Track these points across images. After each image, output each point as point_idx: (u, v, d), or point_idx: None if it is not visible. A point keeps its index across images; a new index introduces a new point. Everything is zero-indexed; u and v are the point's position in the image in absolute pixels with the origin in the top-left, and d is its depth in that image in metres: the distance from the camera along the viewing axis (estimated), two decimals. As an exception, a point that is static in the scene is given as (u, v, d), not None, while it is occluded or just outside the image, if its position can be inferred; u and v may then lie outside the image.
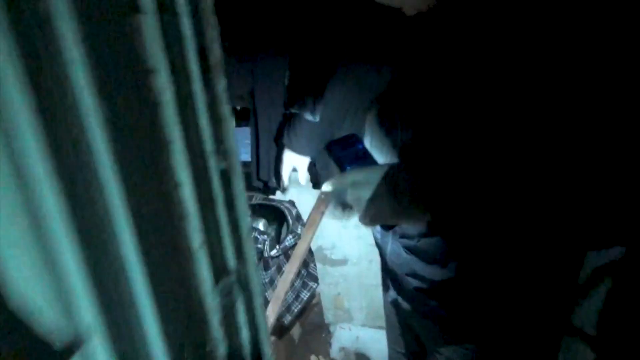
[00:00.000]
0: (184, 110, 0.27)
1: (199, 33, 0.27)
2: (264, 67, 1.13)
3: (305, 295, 1.56)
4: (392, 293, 0.81)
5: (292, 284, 1.48)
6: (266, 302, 1.46)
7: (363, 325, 1.99)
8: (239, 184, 0.32)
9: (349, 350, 1.88)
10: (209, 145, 0.30)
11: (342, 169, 0.61)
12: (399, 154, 0.61)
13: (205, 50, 0.28)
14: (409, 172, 0.53)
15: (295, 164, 1.11)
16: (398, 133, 0.58)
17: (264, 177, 1.27)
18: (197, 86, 0.28)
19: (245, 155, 1.30)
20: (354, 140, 0.65)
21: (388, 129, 0.61)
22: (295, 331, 1.83)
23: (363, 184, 0.56)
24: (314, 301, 1.76)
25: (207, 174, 0.30)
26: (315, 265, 1.69)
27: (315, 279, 1.63)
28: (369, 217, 0.57)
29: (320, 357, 1.83)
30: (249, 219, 0.32)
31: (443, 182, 0.49)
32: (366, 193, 0.55)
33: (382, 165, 0.58)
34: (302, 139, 1.05)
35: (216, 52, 0.28)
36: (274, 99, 1.19)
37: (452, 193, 0.48)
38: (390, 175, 0.54)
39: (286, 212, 1.34)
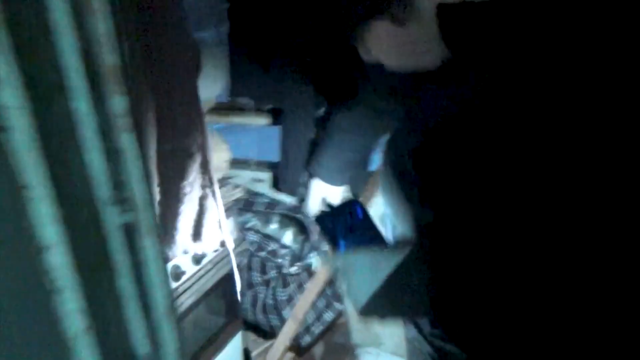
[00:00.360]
0: (50, 138, 0.18)
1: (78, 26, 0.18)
2: (292, 67, 1.11)
3: (328, 316, 1.49)
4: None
5: (314, 304, 1.41)
6: (283, 321, 1.36)
7: (393, 353, 1.89)
8: (150, 243, 0.22)
9: None
10: (101, 190, 0.20)
11: (335, 244, 0.54)
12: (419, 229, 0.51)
13: (90, 54, 0.19)
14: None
15: (325, 194, 1.06)
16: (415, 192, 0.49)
17: (291, 183, 1.25)
18: (80, 104, 0.19)
19: (274, 156, 1.25)
20: (352, 209, 0.58)
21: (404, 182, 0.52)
22: (317, 350, 1.74)
23: (356, 271, 0.51)
24: (341, 319, 1.67)
25: (99, 230, 0.21)
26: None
27: (341, 299, 1.54)
28: (360, 312, 0.52)
29: None
30: (168, 287, 0.23)
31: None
32: (359, 283, 0.50)
33: (377, 251, 0.52)
34: (331, 165, 1.01)
35: (110, 58, 0.19)
36: (303, 101, 1.16)
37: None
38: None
39: (311, 227, 1.29)
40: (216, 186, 0.99)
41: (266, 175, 1.54)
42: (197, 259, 1.08)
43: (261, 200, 1.39)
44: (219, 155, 1.12)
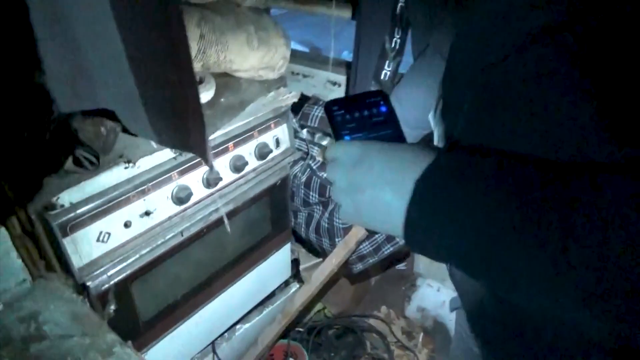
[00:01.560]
0: None
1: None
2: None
3: (387, 250, 1.39)
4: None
5: (371, 236, 1.35)
6: (334, 246, 1.36)
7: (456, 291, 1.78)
8: None
9: (429, 314, 1.69)
10: None
11: (339, 137, 0.47)
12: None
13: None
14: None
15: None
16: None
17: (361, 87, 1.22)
18: None
19: (349, 55, 1.21)
20: (375, 100, 0.48)
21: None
22: (374, 274, 1.68)
23: (356, 165, 0.43)
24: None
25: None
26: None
27: None
28: (347, 217, 0.45)
29: (392, 311, 1.66)
30: None
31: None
32: (358, 181, 0.43)
33: (408, 146, 0.43)
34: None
35: None
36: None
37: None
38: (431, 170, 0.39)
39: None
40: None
41: (343, 79, 1.39)
42: (262, 155, 1.08)
43: (317, 114, 1.32)
44: (274, 51, 0.97)
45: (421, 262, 1.86)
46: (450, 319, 1.68)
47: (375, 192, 0.42)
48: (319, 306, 1.65)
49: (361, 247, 1.36)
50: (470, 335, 0.68)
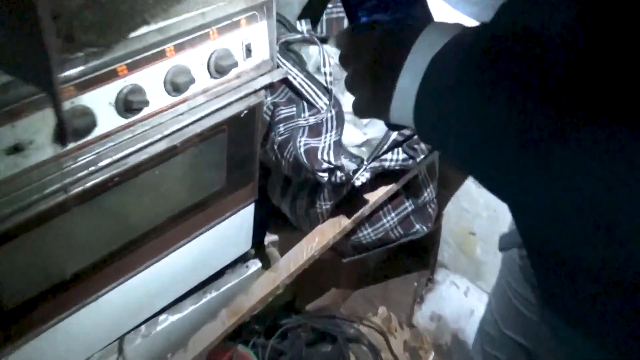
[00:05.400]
0: None
1: None
2: None
3: (397, 239, 1.51)
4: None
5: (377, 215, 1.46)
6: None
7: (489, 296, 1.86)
8: None
9: (447, 325, 1.72)
10: None
11: (354, 18, 0.60)
12: None
13: None
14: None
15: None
16: None
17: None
18: None
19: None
20: None
21: None
22: (374, 258, 1.67)
23: (374, 54, 0.59)
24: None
25: None
26: (433, 189, 1.58)
27: (427, 219, 1.58)
28: (360, 108, 0.66)
29: (393, 315, 1.66)
30: None
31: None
32: (376, 70, 0.59)
33: (433, 27, 0.57)
34: None
35: None
36: None
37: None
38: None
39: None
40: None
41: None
42: (221, 68, 1.06)
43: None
44: None
45: (447, 247, 1.93)
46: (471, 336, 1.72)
47: (394, 81, 0.56)
48: (286, 294, 1.67)
49: (360, 231, 1.41)
50: (525, 289, 0.91)
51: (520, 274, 1.07)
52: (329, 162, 1.28)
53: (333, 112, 1.35)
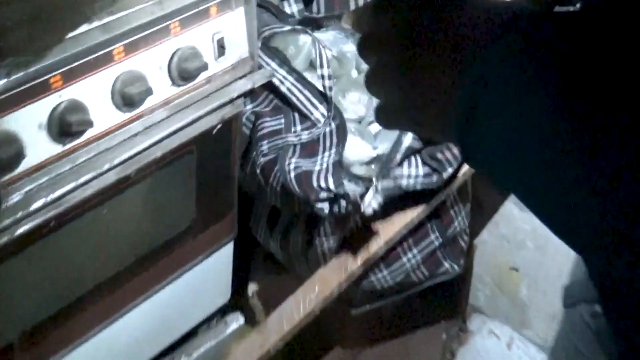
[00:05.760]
0: None
1: None
2: None
3: (421, 283, 1.56)
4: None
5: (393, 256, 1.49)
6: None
7: (542, 346, 1.96)
8: None
9: None
10: None
11: None
12: None
13: None
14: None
15: None
16: None
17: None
18: None
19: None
20: None
21: None
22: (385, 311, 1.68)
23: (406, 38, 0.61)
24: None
25: None
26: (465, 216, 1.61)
27: (459, 255, 1.62)
28: (395, 113, 0.65)
29: None
30: None
31: None
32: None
33: None
34: None
35: None
36: None
37: None
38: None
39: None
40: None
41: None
42: (185, 73, 1.05)
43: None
44: None
45: (482, 286, 1.99)
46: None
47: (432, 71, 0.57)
48: (277, 357, 1.63)
49: (374, 274, 1.42)
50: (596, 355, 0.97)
51: (593, 336, 1.06)
52: (328, 189, 1.28)
53: (333, 125, 1.35)
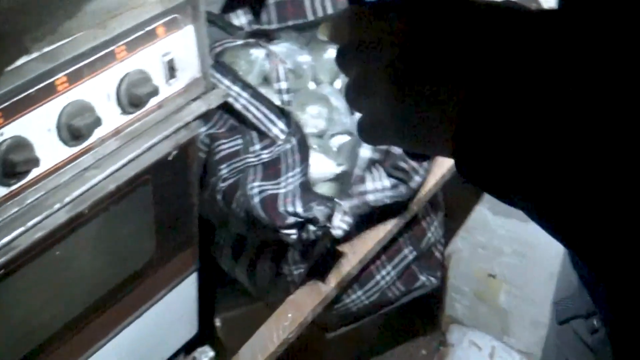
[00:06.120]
0: None
1: None
2: None
3: (395, 292, 1.57)
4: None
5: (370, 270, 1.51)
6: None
7: (525, 353, 2.02)
8: None
9: None
10: None
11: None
12: None
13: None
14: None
15: None
16: None
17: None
18: None
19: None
20: None
21: None
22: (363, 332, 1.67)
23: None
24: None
25: None
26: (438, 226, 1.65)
27: (435, 267, 1.64)
28: (368, 126, 0.63)
29: None
30: None
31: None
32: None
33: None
34: None
35: None
36: None
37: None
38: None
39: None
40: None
41: None
42: (135, 99, 1.04)
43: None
44: None
45: (460, 296, 2.02)
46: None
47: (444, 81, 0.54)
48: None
49: (348, 296, 1.44)
50: None
51: (589, 352, 1.05)
52: (296, 215, 1.26)
53: (294, 141, 1.33)
